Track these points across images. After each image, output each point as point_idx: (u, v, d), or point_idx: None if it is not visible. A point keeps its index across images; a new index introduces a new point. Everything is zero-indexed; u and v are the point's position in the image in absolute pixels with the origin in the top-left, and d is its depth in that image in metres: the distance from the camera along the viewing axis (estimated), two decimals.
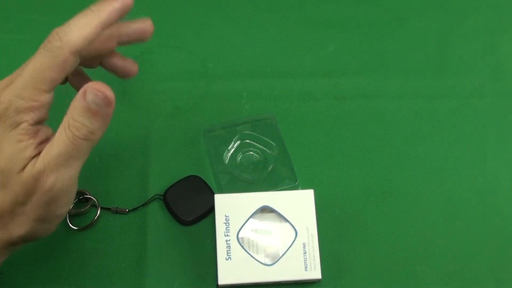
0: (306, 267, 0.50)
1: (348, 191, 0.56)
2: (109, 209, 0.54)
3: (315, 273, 0.50)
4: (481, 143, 0.59)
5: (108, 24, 0.41)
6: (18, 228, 0.40)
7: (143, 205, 0.54)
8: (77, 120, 0.38)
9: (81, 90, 0.38)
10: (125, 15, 0.42)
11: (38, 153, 0.39)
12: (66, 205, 0.41)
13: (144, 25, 0.47)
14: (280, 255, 0.51)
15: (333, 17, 0.65)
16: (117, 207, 0.54)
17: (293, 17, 0.65)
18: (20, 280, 0.51)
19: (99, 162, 0.56)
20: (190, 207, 0.54)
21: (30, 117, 0.39)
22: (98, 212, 0.53)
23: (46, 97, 0.39)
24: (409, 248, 0.54)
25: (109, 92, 0.39)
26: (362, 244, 0.54)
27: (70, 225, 0.52)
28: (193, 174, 0.55)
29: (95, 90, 0.38)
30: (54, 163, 0.38)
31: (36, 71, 0.38)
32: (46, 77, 0.39)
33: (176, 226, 0.54)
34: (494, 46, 0.64)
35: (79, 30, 0.39)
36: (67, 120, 0.38)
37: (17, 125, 0.38)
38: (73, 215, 0.53)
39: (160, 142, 0.57)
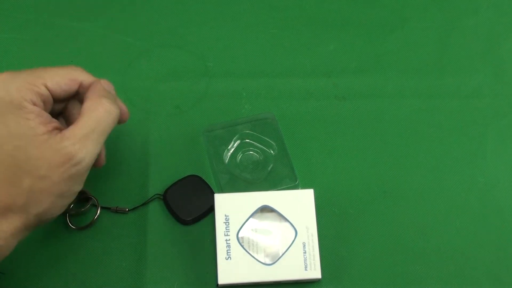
0: (306, 267, 0.50)
1: (348, 191, 0.56)
2: (109, 208, 0.54)
3: (315, 273, 0.50)
4: (481, 143, 0.59)
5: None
6: (37, 205, 0.41)
7: (143, 204, 0.54)
8: (108, 101, 0.43)
9: (103, 82, 0.46)
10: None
11: (51, 129, 0.41)
12: (83, 182, 0.43)
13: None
14: (280, 254, 0.51)
15: (333, 17, 0.65)
16: (117, 207, 0.54)
17: (293, 17, 0.65)
18: (20, 279, 0.51)
19: None
20: (190, 206, 0.54)
21: (32, 96, 0.41)
22: (98, 212, 0.53)
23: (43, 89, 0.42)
24: (409, 248, 0.54)
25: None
26: (362, 244, 0.54)
27: (70, 224, 0.52)
28: (193, 174, 0.55)
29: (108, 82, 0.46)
30: (86, 138, 0.41)
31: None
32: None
33: (176, 225, 0.54)
34: (494, 46, 0.64)
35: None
36: (97, 100, 0.43)
37: (20, 105, 0.40)
38: (73, 215, 0.53)
39: (160, 142, 0.57)
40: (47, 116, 0.42)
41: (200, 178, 0.55)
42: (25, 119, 0.40)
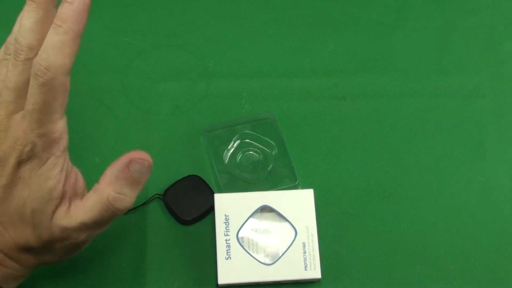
0: (306, 267, 0.50)
1: (348, 190, 0.56)
2: None
3: (315, 273, 0.50)
4: (480, 142, 0.59)
5: (82, 31, 0.37)
6: (49, 257, 0.42)
7: (143, 204, 0.54)
8: (121, 192, 0.38)
9: (123, 161, 0.38)
10: (89, 11, 0.38)
11: (66, 193, 0.39)
12: (91, 239, 0.43)
13: None
14: (280, 254, 0.51)
15: (333, 17, 0.65)
16: None
17: (293, 17, 0.65)
18: None
19: (99, 162, 0.56)
20: (190, 206, 0.54)
21: (56, 149, 0.38)
22: None
23: (62, 123, 0.38)
24: (409, 248, 0.54)
25: (150, 158, 0.39)
26: (362, 244, 0.54)
27: None
28: (193, 174, 0.55)
29: (141, 159, 0.38)
30: (87, 227, 0.39)
31: (43, 108, 0.37)
32: (55, 108, 0.37)
33: (176, 225, 0.54)
34: (494, 46, 0.64)
35: (60, 52, 0.36)
36: (107, 193, 0.38)
37: (45, 161, 0.38)
38: None
39: (160, 142, 0.57)
40: (66, 165, 0.39)
41: (200, 178, 0.55)
42: (46, 179, 0.38)
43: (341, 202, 0.55)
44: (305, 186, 0.56)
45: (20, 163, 0.38)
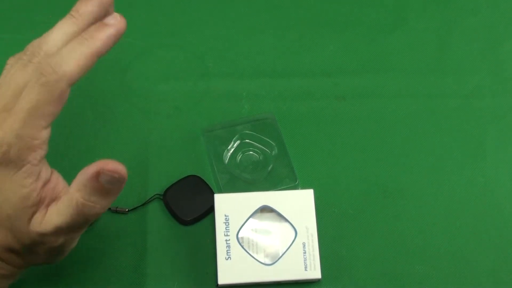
0: (306, 267, 0.50)
1: (348, 191, 0.56)
2: (109, 208, 0.54)
3: (315, 273, 0.50)
4: (480, 142, 0.59)
5: (103, 53, 0.37)
6: (35, 259, 0.41)
7: (143, 204, 0.54)
8: (89, 200, 0.37)
9: (92, 169, 0.35)
10: (118, 40, 0.39)
11: (43, 199, 0.38)
12: (75, 243, 0.42)
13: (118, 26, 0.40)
14: (280, 255, 0.51)
15: (333, 17, 0.65)
16: (117, 207, 0.54)
17: (293, 17, 0.65)
18: (19, 280, 0.51)
19: None
20: (190, 207, 0.54)
21: (33, 157, 0.36)
22: None
23: (45, 133, 0.37)
24: (409, 248, 0.54)
25: (123, 170, 0.36)
26: (362, 244, 0.54)
27: None
28: (193, 174, 0.55)
29: (111, 172, 0.35)
30: (62, 231, 0.38)
31: (33, 108, 0.35)
32: (45, 113, 0.36)
33: (176, 226, 0.54)
34: (494, 46, 0.64)
35: (75, 60, 0.36)
36: (75, 198, 0.36)
37: (19, 167, 0.36)
38: None
39: (160, 142, 0.57)
40: (44, 174, 0.38)
41: (200, 178, 0.55)
42: (22, 187, 0.37)
43: (341, 202, 0.55)
44: (305, 186, 0.56)
45: None
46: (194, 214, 0.53)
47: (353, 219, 0.55)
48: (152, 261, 0.52)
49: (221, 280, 0.50)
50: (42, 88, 0.35)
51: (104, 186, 0.36)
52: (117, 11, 0.64)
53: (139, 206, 0.54)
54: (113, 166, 0.35)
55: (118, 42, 0.62)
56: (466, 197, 0.56)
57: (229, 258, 0.50)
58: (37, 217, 0.38)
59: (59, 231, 0.38)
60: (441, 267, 0.53)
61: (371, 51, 0.63)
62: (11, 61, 0.38)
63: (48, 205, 0.38)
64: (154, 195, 0.55)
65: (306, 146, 0.58)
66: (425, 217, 0.55)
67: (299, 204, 0.52)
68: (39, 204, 0.38)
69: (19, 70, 0.37)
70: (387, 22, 0.65)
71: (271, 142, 0.57)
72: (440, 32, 0.65)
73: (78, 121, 0.57)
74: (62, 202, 0.37)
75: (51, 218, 0.37)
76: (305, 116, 0.59)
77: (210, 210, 0.54)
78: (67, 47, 0.37)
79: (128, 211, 0.54)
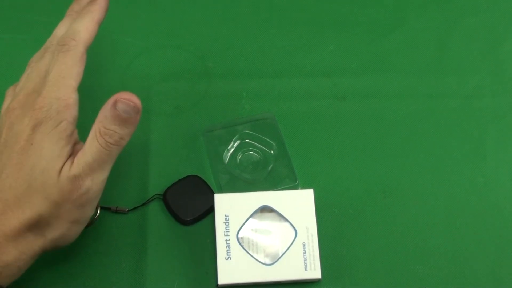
0: (306, 267, 0.50)
1: (348, 191, 0.56)
2: (109, 208, 0.54)
3: (315, 273, 0.50)
4: (480, 142, 0.59)
5: (101, 19, 0.47)
6: (53, 231, 0.43)
7: (143, 204, 0.54)
8: (109, 128, 0.41)
9: (111, 100, 0.41)
10: (108, 8, 0.48)
11: (73, 154, 0.42)
12: (95, 206, 0.45)
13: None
14: (280, 255, 0.51)
15: (333, 17, 0.65)
16: (117, 207, 0.54)
17: (293, 17, 0.65)
18: (19, 280, 0.51)
19: None
20: (190, 207, 0.54)
21: (68, 114, 0.42)
22: (98, 212, 0.53)
23: (76, 94, 0.43)
24: (409, 248, 0.54)
25: (137, 101, 0.41)
26: (362, 244, 0.54)
27: None
28: (193, 174, 0.55)
29: (126, 99, 0.41)
30: (90, 168, 0.42)
31: (63, 70, 0.43)
32: (73, 73, 0.43)
33: (176, 226, 0.54)
34: (494, 46, 0.64)
35: (86, 29, 0.45)
36: (98, 128, 0.42)
37: (58, 123, 0.41)
38: None
39: (160, 142, 0.57)
40: (75, 135, 0.44)
41: (200, 178, 0.55)
42: (56, 143, 0.42)
43: (341, 202, 0.55)
44: (305, 186, 0.56)
45: (34, 127, 0.41)
46: (194, 214, 0.53)
47: (353, 219, 0.55)
48: (152, 261, 0.52)
49: (221, 280, 0.50)
50: (66, 54, 0.43)
51: (121, 114, 0.41)
52: (118, 11, 0.64)
53: (139, 206, 0.54)
54: (128, 95, 0.41)
55: (118, 42, 0.62)
56: (466, 197, 0.56)
57: (229, 258, 0.50)
58: (66, 165, 0.42)
59: (86, 168, 0.42)
60: (441, 267, 0.53)
61: (371, 51, 0.63)
62: (32, 61, 0.47)
63: (74, 157, 0.43)
64: (154, 195, 0.55)
65: (306, 146, 0.58)
66: (425, 217, 0.55)
67: (299, 204, 0.52)
68: (70, 156, 0.42)
69: (38, 61, 0.45)
70: (387, 22, 0.65)
71: (271, 142, 0.57)
72: (440, 32, 0.65)
73: (78, 121, 0.57)
74: (87, 140, 0.42)
75: (78, 159, 0.42)
76: (305, 116, 0.59)
77: (210, 210, 0.54)
78: (76, 21, 0.46)
79: (128, 211, 0.54)
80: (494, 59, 0.63)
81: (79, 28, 0.45)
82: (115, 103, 0.41)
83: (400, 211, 0.55)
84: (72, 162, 0.42)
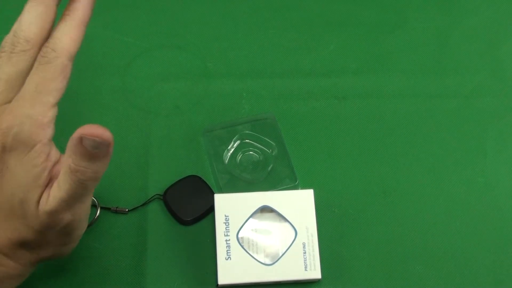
0: (306, 267, 0.50)
1: (348, 191, 0.56)
2: (109, 208, 0.54)
3: (315, 273, 0.50)
4: (480, 142, 0.59)
5: (87, 19, 0.40)
6: (45, 251, 0.42)
7: (143, 205, 0.54)
8: (79, 165, 0.37)
9: (76, 136, 0.35)
10: (94, 4, 0.41)
11: (51, 179, 0.39)
12: (85, 226, 0.43)
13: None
14: (280, 255, 0.51)
15: (333, 17, 0.65)
16: (117, 207, 0.54)
17: (293, 17, 0.65)
18: None
19: None
20: (190, 207, 0.54)
21: (43, 135, 0.37)
22: (98, 212, 0.53)
23: (53, 111, 0.38)
24: (409, 248, 0.54)
25: (106, 134, 0.35)
26: (362, 244, 0.54)
27: None
28: (193, 174, 0.55)
29: (92, 135, 0.35)
30: (66, 204, 0.38)
31: (39, 85, 0.37)
32: (51, 89, 0.37)
33: (176, 226, 0.54)
34: (494, 46, 0.64)
35: (66, 35, 0.38)
36: (67, 164, 0.37)
37: (31, 148, 0.37)
38: None
39: (160, 142, 0.57)
40: (52, 155, 0.39)
41: (200, 178, 0.55)
42: (33, 167, 0.38)
43: (341, 202, 0.55)
44: (305, 186, 0.56)
45: (4, 149, 0.37)
46: (194, 214, 0.53)
47: (353, 219, 0.55)
48: (152, 261, 0.52)
49: (221, 280, 0.50)
50: (45, 67, 0.37)
51: (90, 150, 0.36)
52: (118, 11, 0.64)
53: (139, 206, 0.54)
54: (93, 129, 0.35)
55: (118, 42, 0.62)
56: (466, 197, 0.56)
57: (229, 258, 0.50)
58: (44, 196, 0.38)
59: (63, 204, 0.38)
60: (441, 267, 0.53)
61: (371, 51, 0.63)
62: None
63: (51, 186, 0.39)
64: (154, 195, 0.55)
65: (306, 146, 0.58)
66: (425, 217, 0.55)
67: (299, 204, 0.52)
68: (48, 184, 0.39)
69: (4, 63, 0.39)
70: (387, 22, 0.65)
71: (271, 142, 0.57)
72: (440, 32, 0.65)
73: (78, 121, 0.57)
74: (61, 174, 0.38)
75: (54, 193, 0.38)
76: (305, 116, 0.59)
77: (210, 210, 0.54)
78: (56, 29, 0.39)
79: (128, 211, 0.54)
80: (494, 59, 0.63)
81: (60, 35, 0.38)
82: (80, 140, 0.35)
83: (400, 211, 0.55)
84: (49, 193, 0.38)
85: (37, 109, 0.37)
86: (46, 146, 0.38)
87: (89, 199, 0.41)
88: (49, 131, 0.38)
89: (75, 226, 0.41)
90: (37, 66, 0.38)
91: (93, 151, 0.36)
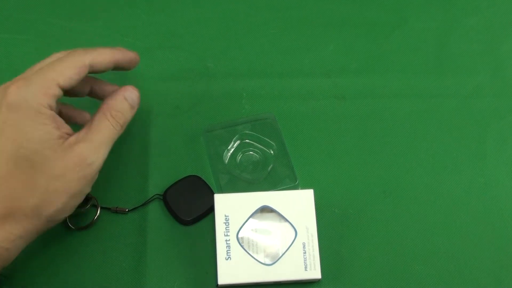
0: (306, 267, 0.50)
1: (348, 191, 0.56)
2: (109, 208, 0.54)
3: (315, 273, 0.50)
4: (480, 142, 0.59)
5: (119, 61, 0.50)
6: (50, 206, 0.43)
7: (143, 205, 0.54)
8: (119, 110, 0.48)
9: (121, 92, 0.49)
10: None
11: (64, 134, 0.44)
12: (92, 183, 0.46)
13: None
14: (280, 255, 0.51)
15: (333, 17, 0.65)
16: (117, 207, 0.54)
17: (293, 17, 0.65)
18: (19, 280, 0.51)
19: None
20: (190, 207, 0.54)
21: (45, 101, 0.43)
22: (98, 212, 0.53)
23: (60, 92, 0.44)
24: (409, 248, 0.54)
25: (139, 93, 0.50)
26: (362, 244, 0.54)
27: (70, 225, 0.53)
28: (193, 174, 0.55)
29: (135, 91, 0.50)
30: (99, 144, 0.45)
31: (56, 66, 0.44)
32: (65, 73, 0.45)
33: (176, 226, 0.54)
34: (494, 46, 0.64)
35: (100, 51, 0.48)
36: (108, 111, 0.47)
37: (38, 111, 0.43)
38: (72, 215, 0.53)
39: (160, 142, 0.57)
40: (60, 120, 0.45)
41: (200, 178, 0.55)
42: (43, 124, 0.43)
43: (341, 202, 0.55)
44: (305, 186, 0.56)
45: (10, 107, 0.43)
46: (194, 214, 0.53)
47: (353, 219, 0.55)
48: (152, 261, 0.52)
49: (221, 280, 0.50)
50: (67, 56, 0.46)
51: (129, 101, 0.49)
52: (118, 11, 0.64)
53: (139, 206, 0.54)
54: (133, 88, 0.50)
55: (118, 42, 0.62)
56: (466, 197, 0.56)
57: (229, 258, 0.50)
58: (71, 141, 0.44)
59: (96, 144, 0.45)
60: (441, 267, 0.53)
61: (371, 51, 0.63)
62: None
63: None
64: (154, 195, 0.55)
65: (306, 146, 0.58)
66: (425, 217, 0.55)
67: (299, 204, 0.52)
68: (65, 135, 0.44)
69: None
70: (387, 22, 0.65)
71: (271, 142, 0.57)
72: (440, 32, 0.65)
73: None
74: (95, 120, 0.46)
75: (86, 135, 0.45)
76: (305, 116, 0.59)
77: (210, 210, 0.54)
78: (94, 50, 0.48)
79: (128, 211, 0.54)
80: (494, 59, 0.63)
81: (96, 49, 0.47)
82: (124, 93, 0.49)
83: (400, 211, 0.55)
84: (76, 137, 0.44)
85: (47, 83, 0.43)
86: (51, 109, 0.44)
87: (111, 147, 0.47)
88: (51, 101, 0.44)
89: (93, 171, 0.45)
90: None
91: (131, 103, 0.49)
